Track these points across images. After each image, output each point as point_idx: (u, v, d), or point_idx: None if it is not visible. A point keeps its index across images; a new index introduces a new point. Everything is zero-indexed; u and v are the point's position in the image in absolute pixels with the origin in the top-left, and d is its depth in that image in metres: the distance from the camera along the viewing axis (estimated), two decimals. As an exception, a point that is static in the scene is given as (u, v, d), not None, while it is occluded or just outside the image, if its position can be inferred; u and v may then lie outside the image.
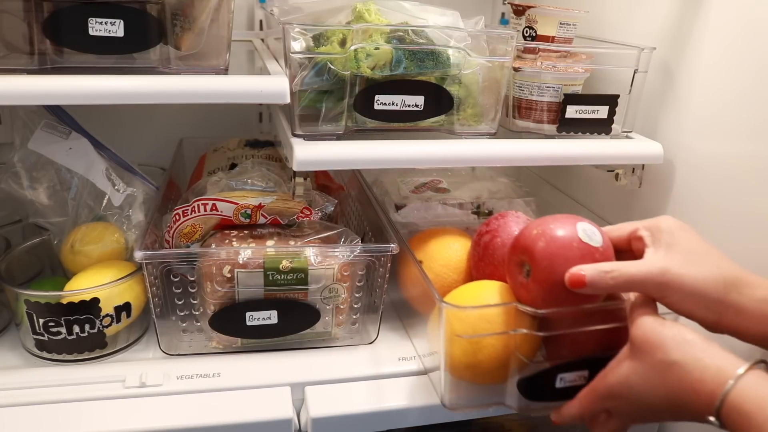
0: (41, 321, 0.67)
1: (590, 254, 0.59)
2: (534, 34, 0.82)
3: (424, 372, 0.72)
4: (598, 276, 0.56)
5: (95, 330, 0.68)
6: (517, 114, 0.80)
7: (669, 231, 0.57)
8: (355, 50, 0.67)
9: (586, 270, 0.57)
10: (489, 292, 0.67)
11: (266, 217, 0.74)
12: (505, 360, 0.64)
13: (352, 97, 0.69)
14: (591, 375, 0.63)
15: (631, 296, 0.59)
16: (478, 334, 0.62)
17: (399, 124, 0.72)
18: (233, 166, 0.87)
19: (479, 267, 0.73)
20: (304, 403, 0.68)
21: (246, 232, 0.73)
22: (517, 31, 0.83)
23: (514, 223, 0.73)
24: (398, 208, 0.88)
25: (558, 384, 0.64)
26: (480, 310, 0.64)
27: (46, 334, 0.67)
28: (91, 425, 0.63)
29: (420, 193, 0.92)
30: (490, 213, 0.89)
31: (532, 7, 0.81)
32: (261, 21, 1.04)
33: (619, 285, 0.56)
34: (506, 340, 0.63)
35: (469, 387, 0.67)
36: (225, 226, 0.74)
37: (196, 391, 0.67)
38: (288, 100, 0.67)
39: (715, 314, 0.53)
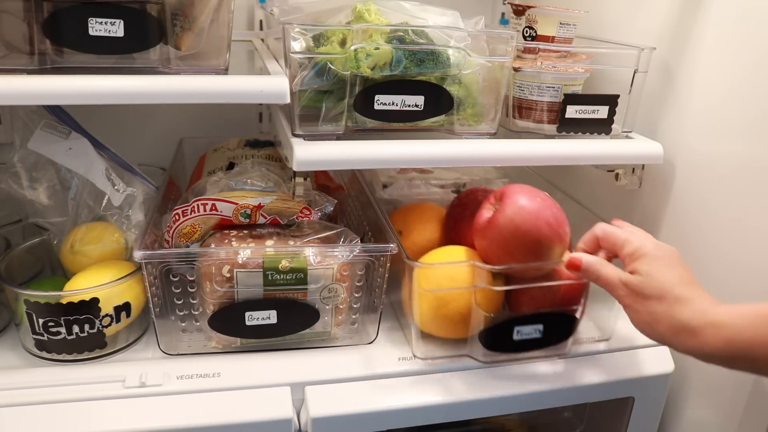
0: (41, 321, 0.67)
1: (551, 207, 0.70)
2: (534, 34, 0.82)
3: (424, 372, 0.72)
4: (590, 264, 0.63)
5: (95, 330, 0.68)
6: (517, 114, 0.80)
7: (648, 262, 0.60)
8: (355, 50, 0.67)
9: (583, 257, 0.64)
10: (456, 254, 0.74)
11: (266, 217, 0.74)
12: (468, 314, 0.71)
13: (352, 97, 0.69)
14: (545, 329, 0.72)
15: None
16: (442, 289, 0.70)
17: (399, 124, 0.72)
18: (231, 165, 0.87)
19: (451, 236, 0.81)
20: (304, 403, 0.68)
21: (245, 232, 0.73)
22: (517, 31, 0.83)
23: (483, 197, 0.78)
24: (384, 186, 0.97)
25: (515, 336, 0.71)
26: (444, 267, 0.71)
27: (45, 334, 0.67)
28: (91, 425, 0.63)
29: (405, 174, 0.99)
30: (469, 192, 0.96)
31: (532, 7, 0.81)
32: (261, 21, 1.04)
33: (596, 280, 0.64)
34: (468, 295, 0.70)
35: (437, 341, 0.74)
36: (224, 226, 0.74)
37: (196, 391, 0.67)
38: (288, 100, 0.67)
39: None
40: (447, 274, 0.71)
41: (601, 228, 0.66)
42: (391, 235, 0.75)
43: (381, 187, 0.96)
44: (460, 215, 0.81)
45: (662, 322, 0.56)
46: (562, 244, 0.70)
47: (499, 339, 0.71)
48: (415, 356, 0.74)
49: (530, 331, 0.71)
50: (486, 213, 0.72)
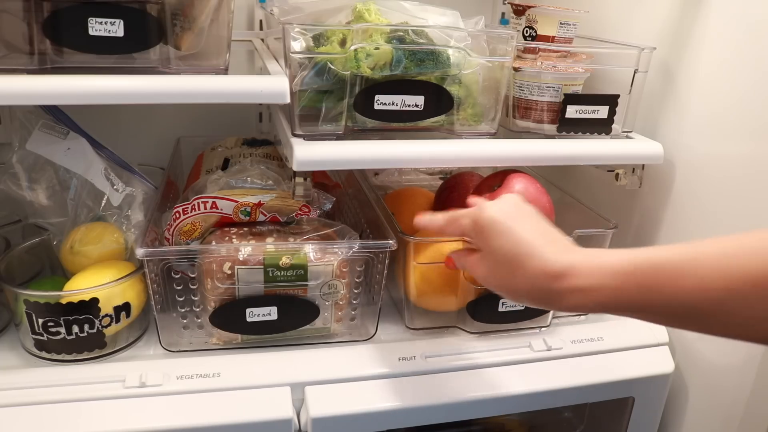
0: (40, 321, 0.67)
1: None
2: (534, 34, 0.82)
3: (424, 372, 0.72)
4: (458, 258, 0.64)
5: (94, 330, 0.68)
6: (517, 114, 0.80)
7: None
8: (355, 50, 0.67)
9: (453, 254, 0.66)
10: None
11: (265, 215, 0.74)
12: (457, 287, 0.76)
13: (352, 97, 0.69)
14: None
15: None
16: (434, 262, 0.74)
17: (399, 124, 0.72)
18: (226, 162, 0.87)
19: None
20: (304, 403, 0.68)
21: (246, 229, 0.73)
22: (517, 31, 0.83)
23: (470, 180, 0.85)
24: (376, 173, 1.05)
25: (500, 308, 0.77)
26: (435, 242, 0.75)
27: (45, 334, 0.67)
28: (91, 425, 0.63)
29: None
30: (455, 178, 1.01)
31: (533, 6, 0.81)
32: (261, 21, 1.04)
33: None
34: (458, 269, 0.73)
35: (429, 313, 0.79)
36: (225, 224, 0.74)
37: (196, 391, 0.67)
38: (288, 100, 0.66)
39: None
40: (439, 248, 0.74)
41: (443, 219, 0.64)
42: (383, 218, 0.78)
43: (373, 174, 1.04)
44: (447, 198, 0.86)
45: (526, 295, 0.54)
46: None
47: (486, 311, 0.77)
48: (408, 327, 0.79)
49: (514, 304, 0.77)
50: (486, 192, 0.75)
